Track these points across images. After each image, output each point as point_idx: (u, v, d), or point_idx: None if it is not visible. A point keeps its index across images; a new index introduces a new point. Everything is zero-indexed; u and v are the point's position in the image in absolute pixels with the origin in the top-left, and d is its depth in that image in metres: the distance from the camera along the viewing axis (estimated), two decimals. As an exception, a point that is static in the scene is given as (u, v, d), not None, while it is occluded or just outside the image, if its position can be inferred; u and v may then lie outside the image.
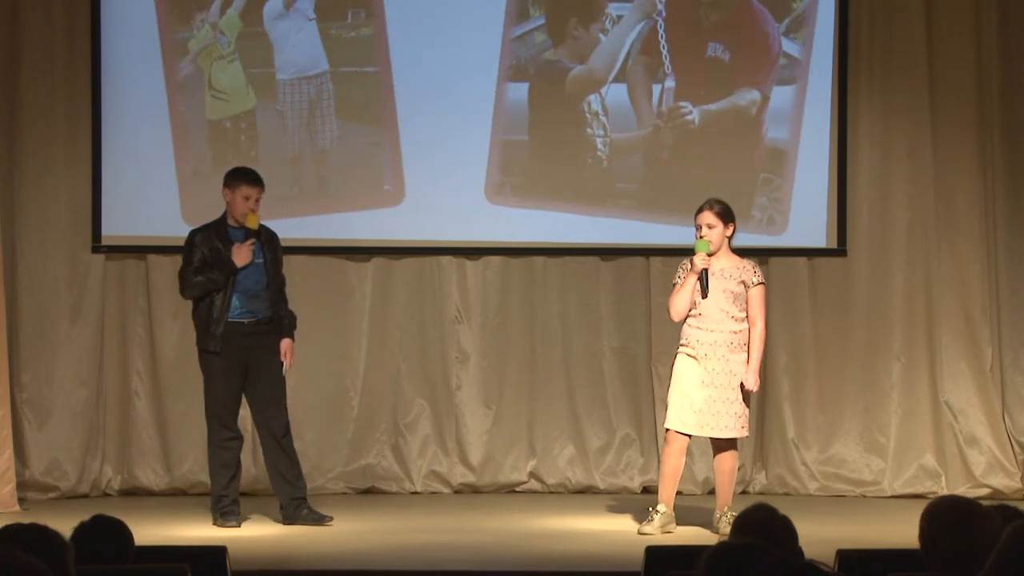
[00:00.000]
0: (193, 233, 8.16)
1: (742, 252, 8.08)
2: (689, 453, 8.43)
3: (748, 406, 7.90)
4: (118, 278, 9.43)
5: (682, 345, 7.89)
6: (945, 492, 9.22)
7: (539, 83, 9.51)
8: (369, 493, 9.48)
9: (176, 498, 9.28)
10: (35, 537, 3.57)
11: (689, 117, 9.52)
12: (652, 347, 9.53)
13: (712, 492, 8.43)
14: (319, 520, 8.08)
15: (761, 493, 9.52)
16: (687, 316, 7.87)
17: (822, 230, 9.57)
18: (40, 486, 9.23)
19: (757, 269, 7.95)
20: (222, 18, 9.42)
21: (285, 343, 8.14)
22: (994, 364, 9.63)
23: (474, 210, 9.48)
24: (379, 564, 7.11)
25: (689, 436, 7.89)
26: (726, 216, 7.87)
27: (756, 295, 7.87)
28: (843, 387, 9.62)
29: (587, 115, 9.51)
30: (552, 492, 9.56)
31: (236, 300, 8.02)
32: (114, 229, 9.36)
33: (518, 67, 9.51)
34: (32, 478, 9.21)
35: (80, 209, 9.34)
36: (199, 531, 7.87)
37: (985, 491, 9.33)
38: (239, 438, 8.14)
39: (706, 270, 7.80)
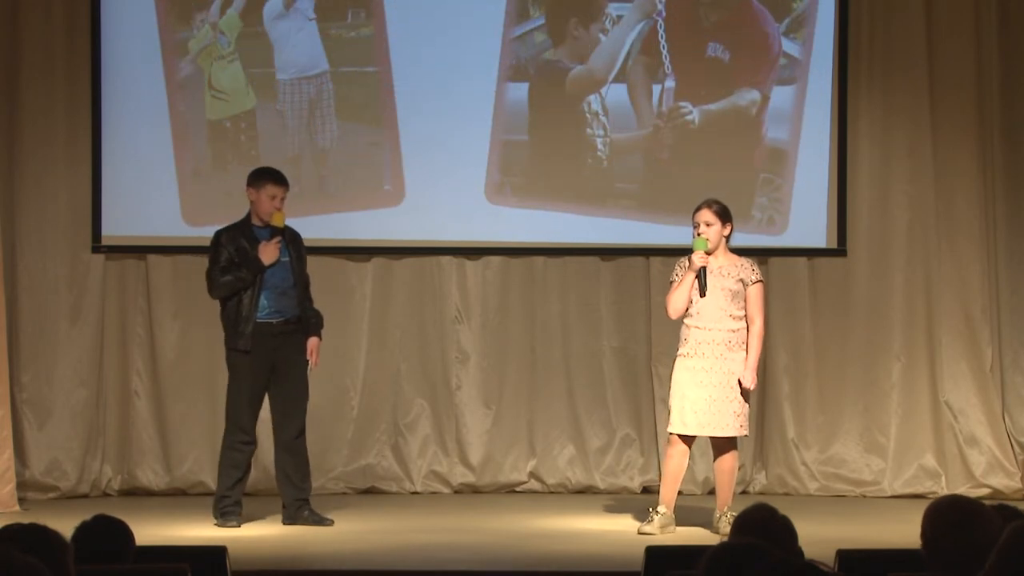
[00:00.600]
0: (219, 233, 8.13)
1: (742, 252, 8.08)
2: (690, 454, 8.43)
3: (747, 403, 7.90)
4: (118, 278, 9.42)
5: (680, 350, 7.89)
6: (945, 492, 9.21)
7: (539, 83, 9.51)
8: (369, 493, 9.48)
9: (176, 498, 9.28)
10: (35, 537, 3.57)
11: (689, 117, 9.52)
12: (652, 347, 9.53)
13: (712, 492, 8.43)
14: (319, 522, 8.08)
15: (761, 493, 9.52)
16: (685, 315, 7.87)
17: (822, 230, 9.56)
18: (40, 486, 9.22)
19: (755, 267, 7.95)
20: (222, 18, 9.41)
21: (312, 341, 8.13)
22: (994, 364, 9.62)
23: (474, 210, 9.48)
24: (379, 564, 7.10)
25: (692, 438, 7.90)
26: (724, 215, 7.89)
27: (755, 293, 7.88)
28: (843, 387, 9.62)
29: (587, 115, 9.51)
30: (552, 492, 9.56)
31: (264, 299, 8.00)
32: (114, 229, 9.36)
33: (518, 67, 9.51)
34: (32, 478, 9.21)
35: (80, 209, 9.33)
36: (199, 531, 7.87)
37: (985, 491, 9.33)
38: (253, 443, 8.13)
39: (704, 268, 7.81)
